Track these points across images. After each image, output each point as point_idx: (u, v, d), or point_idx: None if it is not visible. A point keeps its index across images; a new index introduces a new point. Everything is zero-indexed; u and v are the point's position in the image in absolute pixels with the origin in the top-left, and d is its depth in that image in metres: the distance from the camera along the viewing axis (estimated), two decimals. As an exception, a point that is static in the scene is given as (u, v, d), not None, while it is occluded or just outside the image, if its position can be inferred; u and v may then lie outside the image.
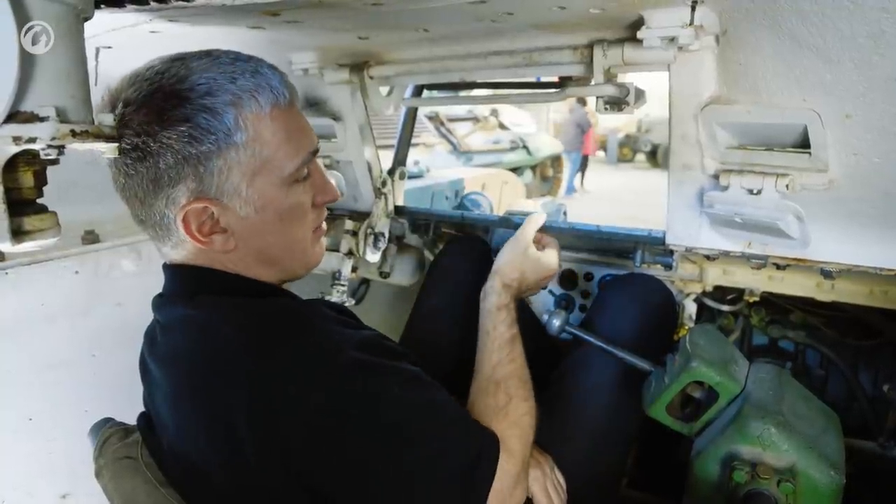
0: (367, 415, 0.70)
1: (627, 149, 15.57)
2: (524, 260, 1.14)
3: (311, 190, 0.81)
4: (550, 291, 1.76)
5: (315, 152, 0.81)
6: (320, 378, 0.68)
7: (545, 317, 1.24)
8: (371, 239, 1.71)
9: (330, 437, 0.68)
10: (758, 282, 1.42)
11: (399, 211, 1.80)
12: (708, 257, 1.27)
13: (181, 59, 0.72)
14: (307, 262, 0.86)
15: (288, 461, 0.68)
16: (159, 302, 0.82)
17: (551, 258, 1.17)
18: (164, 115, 0.69)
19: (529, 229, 1.18)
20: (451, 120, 8.44)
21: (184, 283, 0.80)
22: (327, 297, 1.69)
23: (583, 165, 11.55)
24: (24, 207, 0.68)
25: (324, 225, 0.88)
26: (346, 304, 1.68)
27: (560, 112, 16.07)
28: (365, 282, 2.05)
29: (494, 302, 1.06)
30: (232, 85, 0.70)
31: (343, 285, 1.71)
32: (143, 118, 0.69)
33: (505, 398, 0.90)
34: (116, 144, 0.71)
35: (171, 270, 0.81)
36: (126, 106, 0.70)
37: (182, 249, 0.78)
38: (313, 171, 0.82)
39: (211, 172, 0.71)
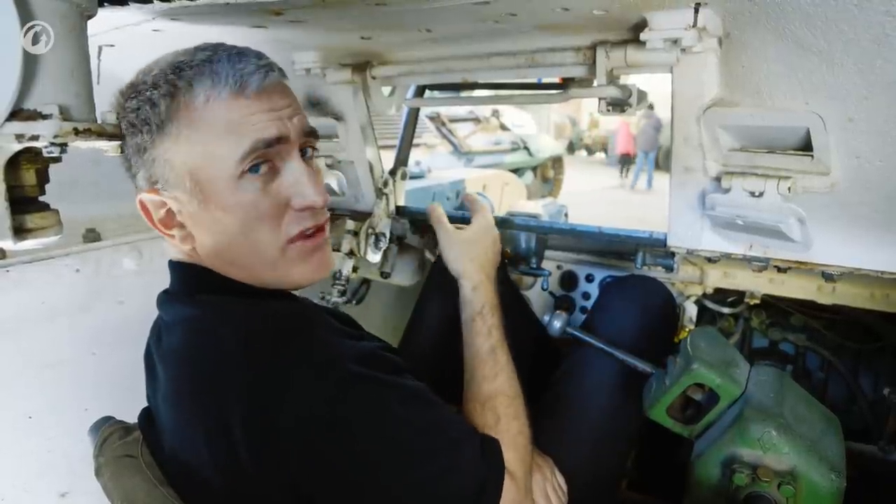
0: (366, 431, 0.68)
1: (629, 150, 15.59)
2: (463, 247, 1.09)
3: (276, 189, 0.73)
4: (551, 293, 1.76)
5: (276, 141, 0.71)
6: (319, 389, 0.66)
7: (546, 318, 1.24)
8: (372, 239, 1.71)
9: (327, 452, 0.66)
10: (759, 284, 1.42)
11: (400, 211, 1.80)
12: (709, 259, 1.27)
13: (175, 52, 0.75)
14: (280, 276, 0.77)
15: (284, 471, 0.66)
16: (163, 299, 0.82)
17: (480, 220, 1.14)
18: (125, 105, 0.73)
19: (444, 222, 1.14)
20: (453, 120, 8.44)
21: (185, 280, 0.80)
22: (327, 297, 1.70)
23: (626, 161, 13.68)
24: (26, 205, 0.68)
25: (323, 237, 0.79)
26: (347, 305, 1.68)
27: (558, 113, 16.21)
28: (365, 282, 2.05)
29: (469, 313, 1.00)
30: (173, 76, 0.70)
31: (343, 285, 1.72)
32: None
33: (493, 418, 0.84)
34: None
35: (174, 267, 0.81)
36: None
37: (171, 243, 0.79)
38: (282, 167, 0.74)
39: (153, 162, 0.72)
